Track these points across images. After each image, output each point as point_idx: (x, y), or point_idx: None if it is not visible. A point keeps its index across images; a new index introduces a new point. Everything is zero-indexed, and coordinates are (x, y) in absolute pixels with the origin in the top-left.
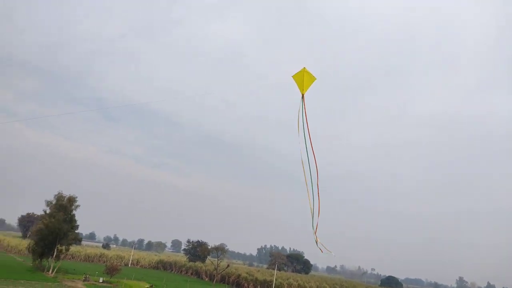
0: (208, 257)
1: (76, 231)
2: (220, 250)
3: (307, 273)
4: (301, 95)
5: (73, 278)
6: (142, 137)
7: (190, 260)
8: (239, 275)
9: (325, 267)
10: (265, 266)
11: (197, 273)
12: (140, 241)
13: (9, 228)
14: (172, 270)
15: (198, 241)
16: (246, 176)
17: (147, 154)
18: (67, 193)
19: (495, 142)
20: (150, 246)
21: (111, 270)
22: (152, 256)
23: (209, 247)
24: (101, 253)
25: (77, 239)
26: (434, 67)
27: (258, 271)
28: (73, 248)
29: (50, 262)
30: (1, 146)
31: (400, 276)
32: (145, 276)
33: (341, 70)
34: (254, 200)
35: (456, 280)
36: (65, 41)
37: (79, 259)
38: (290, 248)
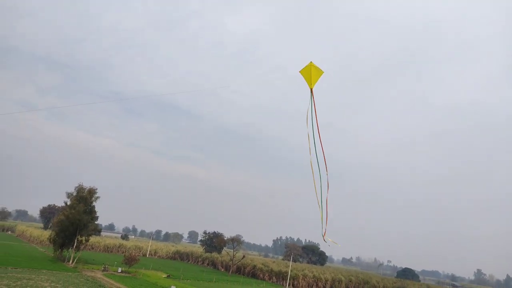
0: (224, 248)
1: (96, 222)
2: (236, 241)
3: (322, 264)
4: (310, 90)
5: (92, 268)
6: (162, 130)
7: (207, 251)
8: (254, 266)
9: (340, 258)
10: (280, 257)
11: (213, 264)
12: (158, 232)
13: (31, 219)
14: (188, 261)
15: (215, 232)
16: (263, 168)
17: (166, 146)
18: (87, 185)
19: None
20: (167, 237)
21: (130, 261)
22: (169, 247)
23: (225, 238)
24: (120, 244)
25: (97, 230)
26: (455, 55)
27: (274, 262)
28: (93, 239)
29: (71, 252)
30: (23, 139)
31: (417, 268)
32: (163, 266)
33: (359, 61)
34: (270, 191)
35: (474, 272)
36: (84, 36)
37: (98, 250)
38: (305, 240)
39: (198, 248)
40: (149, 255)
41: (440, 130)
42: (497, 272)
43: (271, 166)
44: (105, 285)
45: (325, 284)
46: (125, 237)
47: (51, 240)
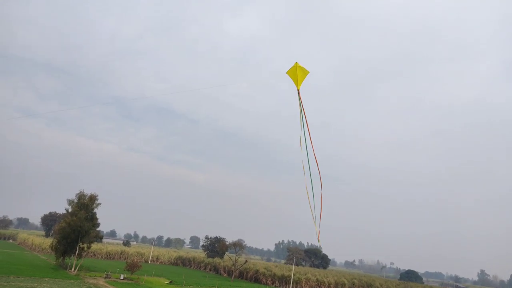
0: (226, 253)
1: (97, 229)
2: (238, 246)
3: (325, 268)
4: (297, 90)
5: (95, 276)
6: (162, 135)
7: (209, 256)
8: (257, 271)
9: (343, 261)
10: (283, 261)
11: (216, 269)
12: (160, 238)
13: (33, 227)
14: (191, 266)
15: (216, 237)
16: (264, 171)
17: (166, 151)
18: (88, 191)
19: None
20: (169, 242)
21: (132, 267)
22: (171, 253)
23: (227, 243)
24: (121, 250)
25: (99, 237)
26: (455, 55)
27: (276, 266)
28: (95, 246)
29: (73, 260)
30: (24, 146)
31: (420, 270)
32: (165, 272)
33: (358, 62)
34: (271, 195)
35: (478, 273)
36: (85, 43)
37: (100, 257)
38: (307, 243)
39: (200, 254)
40: (151, 261)
41: (440, 130)
42: (501, 272)
43: (272, 169)
44: None
45: (328, 287)
46: (126, 243)
47: (53, 247)
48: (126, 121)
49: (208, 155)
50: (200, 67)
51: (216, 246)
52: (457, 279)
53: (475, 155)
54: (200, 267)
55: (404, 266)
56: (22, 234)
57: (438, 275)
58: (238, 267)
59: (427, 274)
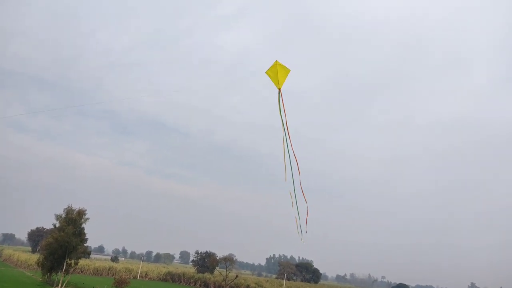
0: (216, 268)
1: (85, 245)
2: (228, 260)
3: (316, 282)
4: (278, 91)
5: None
6: (153, 148)
7: (199, 272)
8: (248, 286)
9: (334, 275)
10: (274, 276)
11: (206, 285)
12: (149, 253)
13: (19, 242)
14: (180, 282)
15: (207, 252)
16: (256, 184)
17: (157, 165)
18: (77, 206)
19: (507, 144)
20: (158, 258)
21: (120, 283)
22: (161, 268)
23: (217, 258)
24: (110, 266)
25: (86, 253)
26: (443, 71)
27: (267, 281)
28: (82, 262)
29: (60, 276)
30: (11, 161)
31: (411, 283)
32: None
33: (348, 77)
34: (262, 209)
35: (468, 286)
36: (76, 56)
37: (88, 273)
38: (299, 257)
39: (190, 269)
40: (140, 277)
41: (434, 145)
42: (491, 284)
43: (263, 183)
44: None
45: None
46: (115, 259)
47: (39, 263)
48: (117, 135)
49: (199, 168)
50: (193, 79)
51: (206, 261)
52: None
53: (465, 169)
54: (190, 282)
55: (395, 279)
56: (8, 250)
57: None
58: (229, 282)
59: (418, 287)
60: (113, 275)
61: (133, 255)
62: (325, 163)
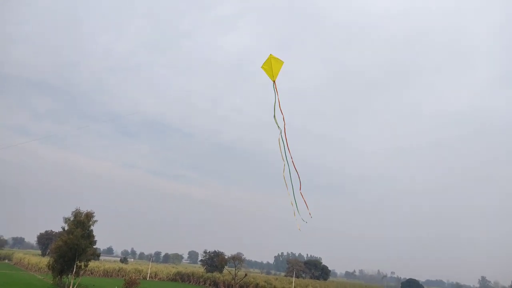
0: (225, 267)
1: (94, 247)
2: (237, 259)
3: (325, 279)
4: (272, 83)
5: None
6: (157, 149)
7: (208, 271)
8: (257, 284)
9: (343, 272)
10: (283, 274)
11: (215, 284)
12: (157, 254)
13: (28, 246)
14: (190, 282)
15: (215, 251)
16: (262, 182)
17: (162, 166)
18: (84, 209)
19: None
20: (167, 258)
21: (130, 284)
22: (170, 268)
23: (226, 257)
24: (119, 268)
25: (96, 255)
26: (448, 64)
27: (276, 279)
28: (92, 264)
29: (70, 278)
30: (18, 166)
31: (421, 278)
32: None
33: (351, 72)
34: (269, 207)
35: (479, 280)
36: (78, 60)
37: (98, 275)
38: (307, 255)
39: (199, 268)
40: (149, 277)
41: (439, 137)
42: (502, 278)
43: (269, 181)
44: None
45: None
46: (124, 260)
47: (50, 266)
48: (121, 137)
49: (205, 168)
50: (194, 80)
51: (215, 261)
52: (458, 286)
53: (473, 161)
54: (199, 282)
55: (405, 275)
56: (18, 254)
57: (439, 283)
58: (238, 281)
59: (428, 282)
60: (122, 276)
61: (142, 256)
62: (332, 159)
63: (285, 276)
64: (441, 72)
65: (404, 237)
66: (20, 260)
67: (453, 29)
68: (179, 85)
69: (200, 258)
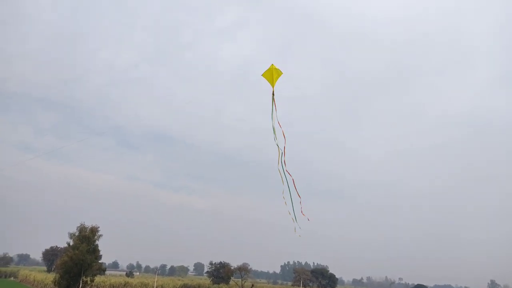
0: (231, 278)
1: (100, 261)
2: (243, 270)
3: (333, 287)
4: (271, 94)
5: None
6: (160, 161)
7: (214, 283)
8: None
9: (351, 280)
10: (289, 283)
11: None
12: (163, 267)
13: (34, 262)
14: None
15: (221, 262)
16: (264, 191)
17: (165, 178)
18: (89, 223)
19: None
20: (173, 270)
21: None
22: (176, 281)
23: (232, 268)
24: (125, 282)
25: (101, 269)
26: (448, 64)
27: None
28: (98, 279)
29: None
30: (22, 182)
31: (429, 283)
32: None
33: (351, 76)
34: (273, 216)
35: (488, 283)
36: (80, 75)
37: None
38: (313, 263)
39: (205, 280)
40: None
41: (440, 139)
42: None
43: (273, 189)
44: None
45: None
46: (130, 274)
47: (56, 282)
48: (124, 150)
49: (207, 178)
50: (196, 90)
51: (221, 272)
52: None
53: (477, 161)
54: None
55: (413, 280)
56: (24, 271)
57: (447, 287)
58: None
59: (437, 287)
60: None
61: (147, 269)
62: (334, 164)
63: (292, 285)
64: (442, 73)
65: (410, 241)
66: (26, 277)
67: (452, 29)
68: (181, 95)
69: (206, 269)
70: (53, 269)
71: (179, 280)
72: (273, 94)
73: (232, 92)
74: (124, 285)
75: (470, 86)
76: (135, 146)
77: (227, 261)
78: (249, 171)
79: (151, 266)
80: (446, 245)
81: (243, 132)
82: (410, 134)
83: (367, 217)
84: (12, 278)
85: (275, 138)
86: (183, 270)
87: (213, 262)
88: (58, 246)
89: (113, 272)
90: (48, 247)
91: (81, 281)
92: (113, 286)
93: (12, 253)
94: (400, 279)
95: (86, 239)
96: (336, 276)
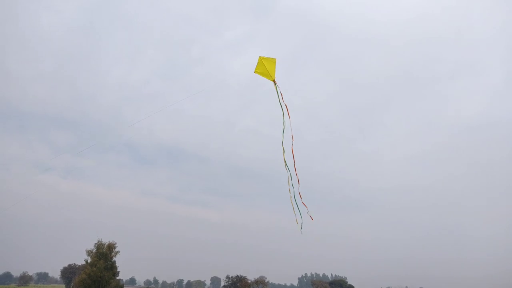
0: None
1: (117, 278)
2: (260, 283)
3: None
4: (273, 83)
5: None
6: (174, 176)
7: None
8: None
9: None
10: None
11: None
12: (180, 282)
13: (53, 280)
14: None
15: (237, 276)
16: (279, 203)
17: (179, 192)
18: (106, 239)
19: None
20: (189, 285)
21: None
22: None
23: (249, 281)
24: None
25: (119, 286)
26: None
27: None
28: None
29: None
30: (38, 200)
31: None
32: None
33: (365, 84)
34: (289, 227)
35: None
36: (95, 92)
37: None
38: (331, 275)
39: None
40: None
41: (455, 145)
42: None
43: (288, 200)
44: None
45: None
46: None
47: None
48: (139, 166)
49: (223, 191)
50: (208, 105)
51: (238, 286)
52: None
53: (493, 167)
54: None
55: None
56: None
57: None
58: None
59: None
60: None
61: (164, 285)
62: (350, 172)
63: None
64: (454, 79)
65: (432, 249)
66: None
67: (463, 34)
68: (192, 110)
69: (222, 283)
70: (71, 287)
71: None
72: (275, 86)
73: (243, 104)
74: None
75: (482, 91)
76: (150, 162)
77: (243, 274)
78: (263, 182)
79: (168, 282)
80: (466, 253)
81: (255, 144)
82: (423, 140)
83: (386, 226)
84: None
85: (287, 169)
86: (200, 285)
87: (230, 276)
88: (76, 263)
89: None
90: (66, 264)
91: None
92: None
93: (31, 271)
94: None
95: (104, 256)
96: None
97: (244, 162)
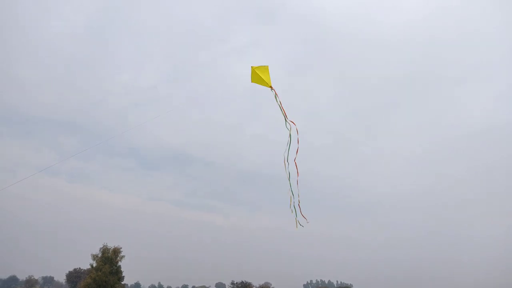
0: None
1: (123, 283)
2: None
3: None
4: (271, 89)
5: None
6: (180, 181)
7: None
8: None
9: None
10: None
11: None
12: (184, 287)
13: (58, 285)
14: None
15: (242, 282)
16: (283, 209)
17: (185, 197)
18: (111, 244)
19: None
20: None
21: None
22: None
23: (253, 287)
24: None
25: None
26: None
27: None
28: None
29: None
30: (46, 204)
31: None
32: None
33: (368, 90)
34: (295, 233)
35: None
36: (102, 97)
37: None
38: (337, 281)
39: None
40: None
41: (461, 149)
42: None
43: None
44: None
45: None
46: None
47: None
48: (145, 171)
49: (228, 196)
50: (213, 110)
51: None
52: None
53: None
54: None
55: None
56: None
57: None
58: None
59: None
60: None
61: None
62: (356, 179)
63: None
64: (461, 82)
65: (444, 258)
66: None
67: (471, 36)
68: (198, 115)
69: None
70: None
71: None
72: (274, 92)
73: (248, 110)
74: None
75: (489, 95)
76: (156, 167)
77: (248, 280)
78: (269, 187)
79: (173, 287)
80: (470, 256)
81: (262, 148)
82: (430, 143)
83: (389, 234)
84: None
85: (289, 178)
86: None
87: (235, 282)
88: (81, 267)
89: None
90: (71, 268)
91: None
92: None
93: (37, 275)
94: None
95: (109, 260)
96: None
97: (250, 166)
